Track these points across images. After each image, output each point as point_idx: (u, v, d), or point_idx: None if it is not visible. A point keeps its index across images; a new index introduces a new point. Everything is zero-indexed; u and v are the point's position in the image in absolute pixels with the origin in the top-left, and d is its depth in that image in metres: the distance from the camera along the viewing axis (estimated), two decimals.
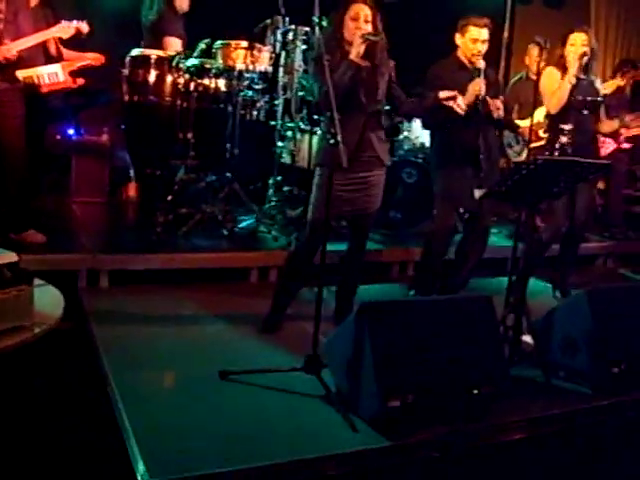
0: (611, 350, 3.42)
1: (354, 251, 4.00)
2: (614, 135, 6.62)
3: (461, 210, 4.64)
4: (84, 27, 4.58)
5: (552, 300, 4.88)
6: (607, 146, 6.67)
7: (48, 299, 2.89)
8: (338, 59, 3.53)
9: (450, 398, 2.93)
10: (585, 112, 4.67)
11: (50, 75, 4.50)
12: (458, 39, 4.31)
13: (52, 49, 4.68)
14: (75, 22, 4.54)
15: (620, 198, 7.09)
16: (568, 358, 3.50)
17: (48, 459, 2.76)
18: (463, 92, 4.07)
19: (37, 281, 2.85)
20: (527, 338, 3.67)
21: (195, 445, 2.63)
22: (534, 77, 5.52)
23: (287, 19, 5.30)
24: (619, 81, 5.36)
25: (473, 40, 4.22)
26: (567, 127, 4.55)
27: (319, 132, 3.95)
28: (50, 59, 4.59)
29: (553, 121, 4.72)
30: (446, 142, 4.38)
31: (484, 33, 4.21)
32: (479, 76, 4.11)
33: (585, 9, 8.14)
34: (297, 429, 2.84)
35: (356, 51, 3.55)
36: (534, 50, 5.17)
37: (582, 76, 4.65)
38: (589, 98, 4.67)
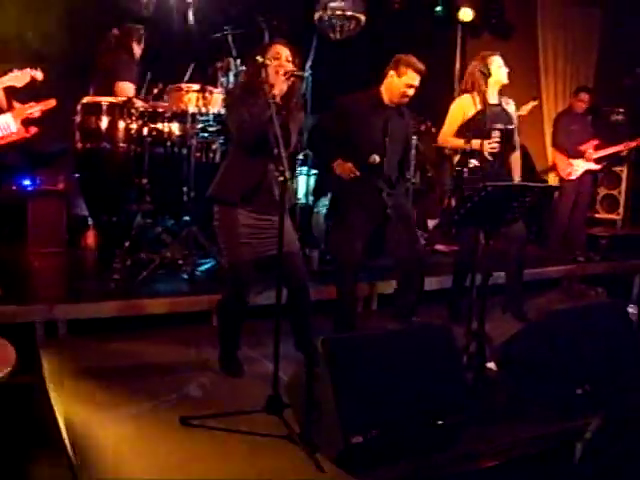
0: (574, 372, 3.42)
1: (293, 296, 3.82)
2: (583, 156, 6.78)
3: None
4: (38, 75, 4.56)
5: (511, 325, 4.88)
6: (576, 169, 6.81)
7: None
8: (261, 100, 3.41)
9: (415, 430, 2.89)
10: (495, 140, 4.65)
11: (2, 127, 4.45)
12: (391, 76, 4.29)
13: (2, 102, 4.62)
14: (28, 69, 4.51)
15: (583, 220, 7.19)
16: (532, 382, 3.50)
17: None
18: (373, 131, 4.24)
19: None
20: (491, 365, 3.67)
21: None
22: None
23: (239, 61, 5.33)
24: (534, 102, 5.52)
25: (409, 85, 4.25)
26: (474, 162, 4.59)
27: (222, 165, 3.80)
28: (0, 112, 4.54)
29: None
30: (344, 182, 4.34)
31: (418, 79, 4.26)
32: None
33: (532, 39, 8.30)
34: (261, 472, 2.78)
35: (279, 88, 3.52)
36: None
37: (495, 102, 4.70)
38: (499, 126, 4.68)
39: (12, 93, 4.71)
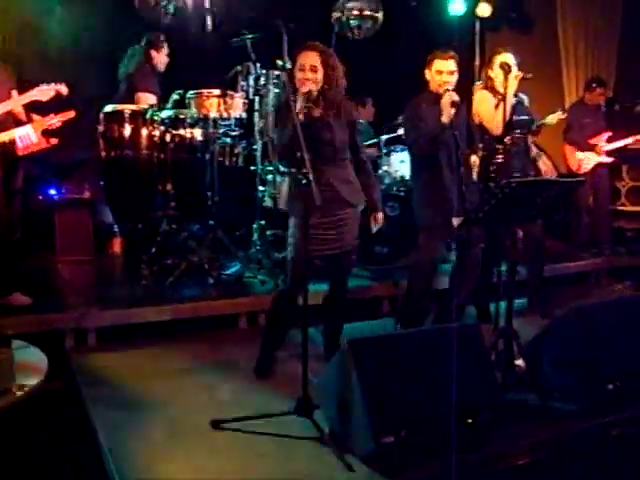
0: (604, 367, 3.40)
1: (336, 290, 3.98)
2: (594, 149, 6.70)
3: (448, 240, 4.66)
4: (63, 89, 4.62)
5: (538, 321, 4.86)
6: (587, 162, 6.73)
7: (31, 361, 2.87)
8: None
9: (445, 429, 2.89)
10: (517, 132, 4.66)
11: (22, 138, 4.52)
12: (427, 74, 4.35)
13: (21, 114, 4.68)
14: (53, 84, 4.59)
15: (607, 214, 7.11)
16: (561, 378, 3.48)
17: None
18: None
19: (18, 343, 2.84)
20: (519, 362, 3.65)
21: None
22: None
23: (258, 64, 5.36)
24: (560, 115, 5.50)
25: (438, 72, 4.26)
26: (500, 146, 4.53)
27: (285, 183, 3.90)
28: (19, 124, 4.61)
29: (487, 142, 4.68)
30: (432, 174, 4.35)
31: (449, 64, 4.25)
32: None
33: (553, 31, 8.25)
34: (292, 474, 2.80)
35: (300, 105, 3.49)
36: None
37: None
38: (522, 117, 4.70)
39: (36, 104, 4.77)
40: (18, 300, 4.39)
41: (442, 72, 4.25)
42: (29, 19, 5.99)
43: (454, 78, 4.28)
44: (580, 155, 6.74)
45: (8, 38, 5.97)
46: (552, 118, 5.40)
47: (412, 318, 4.49)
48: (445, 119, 4.11)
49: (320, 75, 3.60)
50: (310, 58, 3.60)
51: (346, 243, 3.78)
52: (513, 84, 4.44)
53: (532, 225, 4.65)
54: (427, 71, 4.35)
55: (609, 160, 6.80)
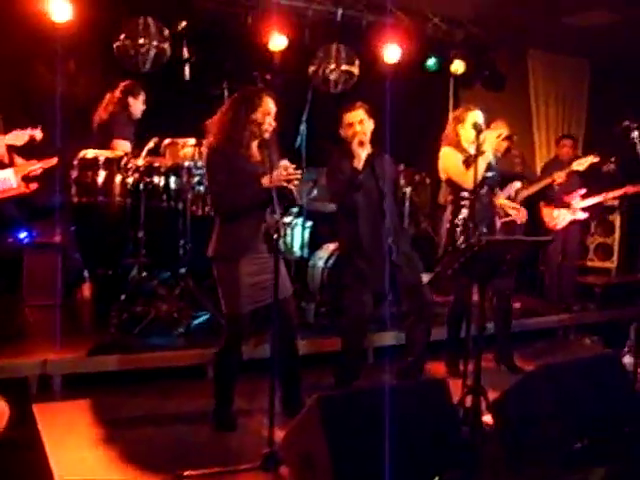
0: (572, 425, 3.40)
1: (284, 345, 3.79)
2: (568, 206, 6.80)
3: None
4: (37, 134, 4.64)
5: (506, 377, 4.85)
6: (563, 219, 6.82)
7: None
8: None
9: None
10: (484, 189, 4.69)
11: (2, 182, 4.50)
12: (342, 132, 4.42)
13: (4, 157, 4.68)
14: (29, 129, 4.59)
15: (574, 270, 7.19)
16: (530, 435, 3.47)
17: None
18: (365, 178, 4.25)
19: None
20: (487, 418, 3.64)
21: None
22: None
23: None
24: (592, 158, 5.62)
25: (349, 125, 4.35)
26: (465, 202, 4.61)
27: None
28: (1, 167, 4.60)
29: (454, 197, 4.75)
30: (352, 227, 4.39)
31: (358, 114, 4.34)
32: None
33: (524, 90, 8.46)
34: None
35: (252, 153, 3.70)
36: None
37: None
38: (493, 174, 4.74)
39: (14, 148, 4.78)
40: None
41: (353, 124, 4.33)
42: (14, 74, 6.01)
43: (366, 126, 4.35)
44: (555, 213, 6.83)
45: None
46: (580, 163, 5.48)
47: (345, 374, 4.48)
48: (357, 162, 4.19)
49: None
50: (273, 106, 3.71)
51: (279, 292, 3.49)
52: (494, 142, 4.50)
53: (502, 281, 4.65)
54: (341, 130, 4.42)
55: (584, 216, 6.90)
